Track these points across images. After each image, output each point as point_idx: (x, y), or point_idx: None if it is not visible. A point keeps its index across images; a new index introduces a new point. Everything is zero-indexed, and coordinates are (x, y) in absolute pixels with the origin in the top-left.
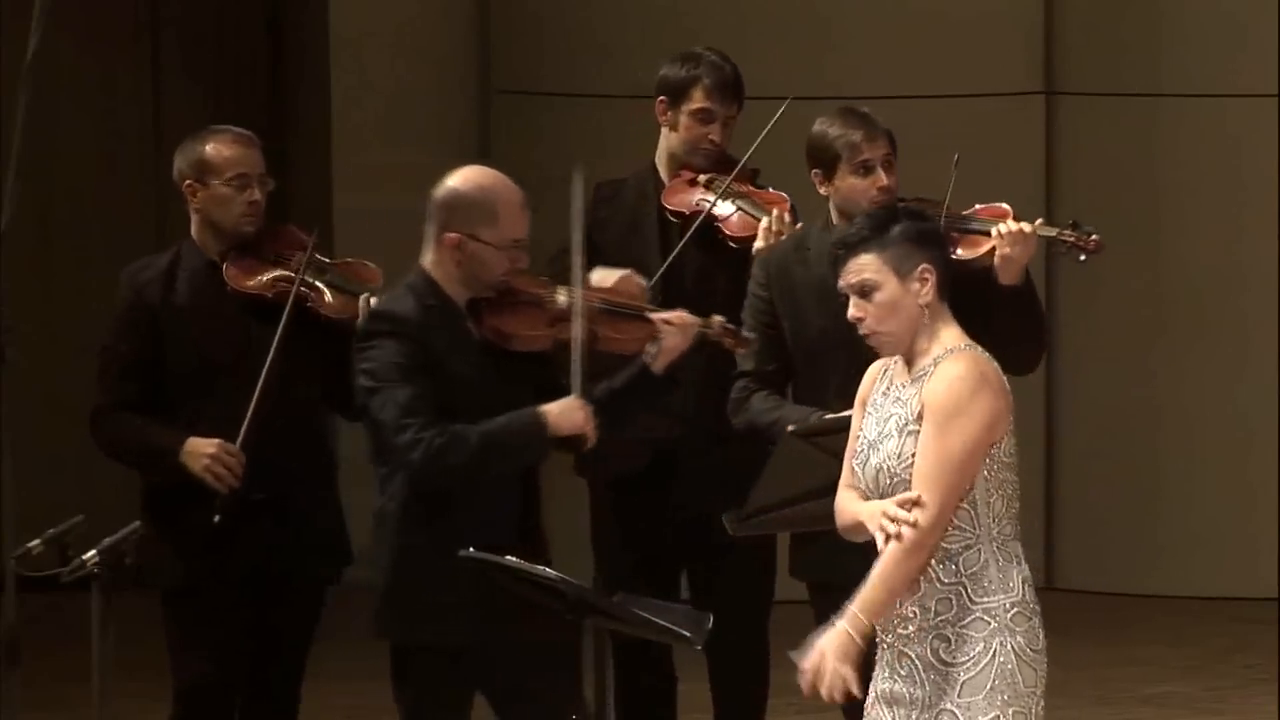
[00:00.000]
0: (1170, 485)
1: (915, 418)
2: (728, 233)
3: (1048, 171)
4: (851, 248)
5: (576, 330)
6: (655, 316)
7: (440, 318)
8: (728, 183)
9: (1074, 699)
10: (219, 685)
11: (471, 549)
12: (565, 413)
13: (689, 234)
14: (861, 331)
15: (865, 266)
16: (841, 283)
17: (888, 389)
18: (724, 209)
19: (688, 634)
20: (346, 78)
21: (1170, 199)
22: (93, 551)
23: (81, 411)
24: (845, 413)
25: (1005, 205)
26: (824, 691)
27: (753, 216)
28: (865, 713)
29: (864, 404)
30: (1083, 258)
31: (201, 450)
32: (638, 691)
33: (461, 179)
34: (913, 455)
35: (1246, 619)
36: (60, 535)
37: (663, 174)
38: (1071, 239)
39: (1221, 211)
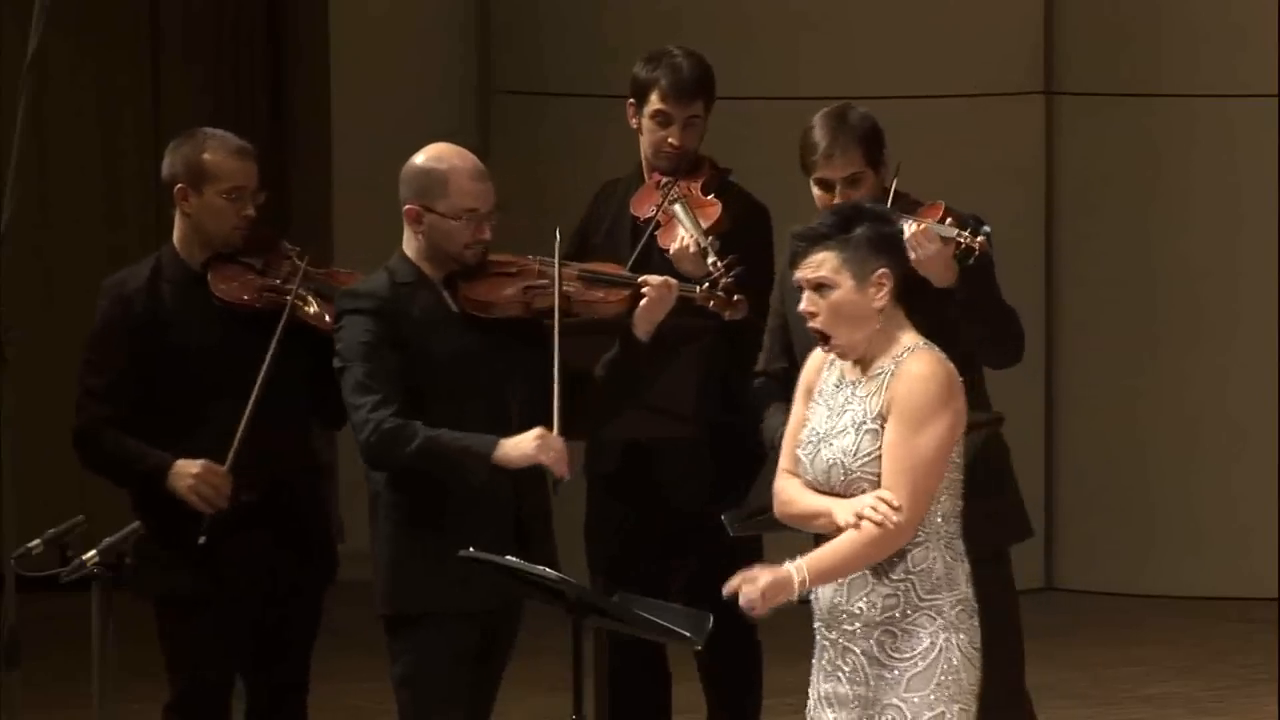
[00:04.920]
0: (1169, 485)
1: (875, 416)
2: (660, 245)
3: (1048, 171)
4: (812, 242)
5: (555, 297)
6: (636, 279)
7: (415, 294)
8: (671, 189)
9: (1074, 699)
10: (212, 694)
11: (472, 549)
12: (517, 444)
13: (639, 245)
14: (810, 325)
15: (823, 263)
16: (798, 275)
17: (840, 382)
18: (671, 210)
19: (688, 634)
20: (346, 78)
21: (1169, 199)
22: (93, 551)
23: None
24: None
25: (939, 203)
26: (742, 598)
27: (683, 226)
28: (806, 716)
29: (809, 391)
30: (970, 261)
31: (187, 471)
32: (632, 692)
33: (420, 154)
34: (869, 454)
35: (1246, 619)
36: (60, 535)
37: (645, 175)
38: (965, 241)
39: (1220, 211)
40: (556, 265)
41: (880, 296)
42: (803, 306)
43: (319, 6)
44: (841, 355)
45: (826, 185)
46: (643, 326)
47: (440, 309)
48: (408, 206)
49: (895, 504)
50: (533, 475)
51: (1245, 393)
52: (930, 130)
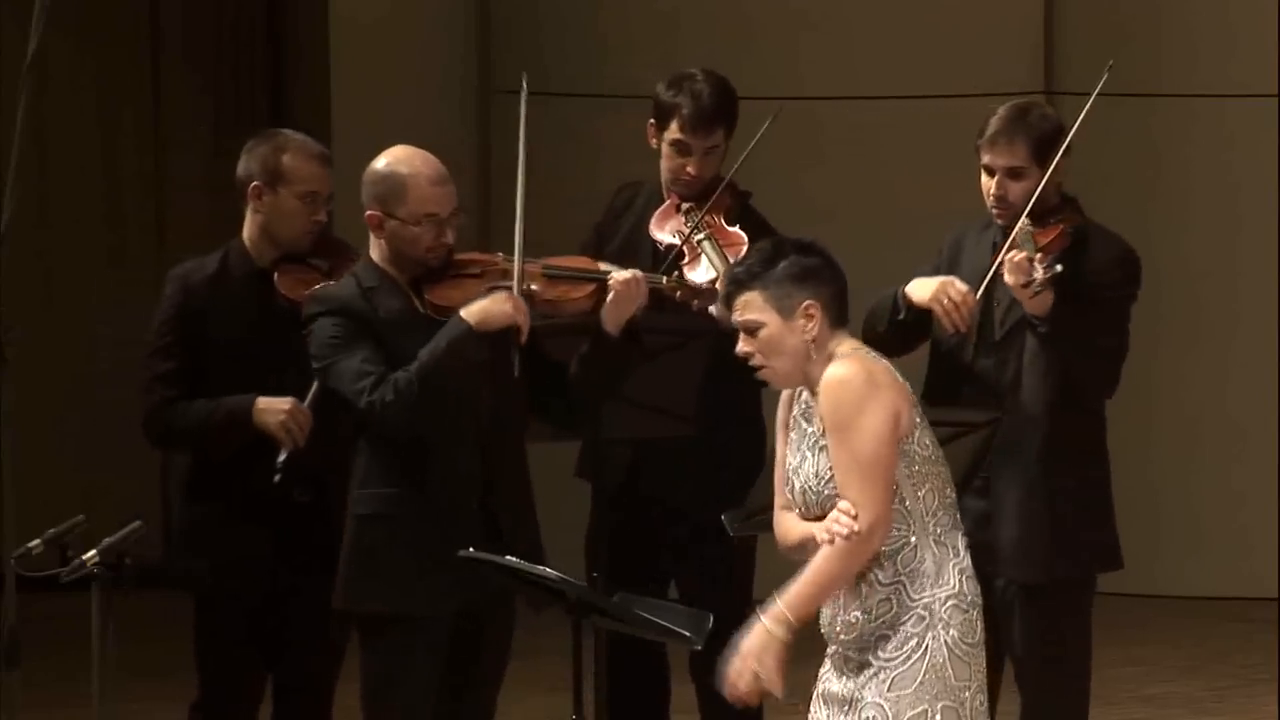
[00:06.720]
0: (1170, 485)
1: (822, 433)
2: (686, 274)
3: None
4: (739, 285)
5: (516, 287)
6: (604, 273)
7: (381, 298)
8: (699, 219)
9: None
10: (236, 692)
11: (472, 549)
12: (490, 304)
13: (662, 269)
14: (752, 364)
15: (749, 304)
16: (732, 318)
17: (805, 411)
18: (699, 245)
19: (688, 634)
20: (346, 78)
21: (1169, 199)
22: (93, 551)
23: (81, 412)
24: None
25: (1064, 227)
26: (744, 693)
27: (711, 263)
28: (809, 713)
29: (785, 427)
30: (1025, 286)
31: (277, 406)
32: (630, 694)
33: (381, 157)
34: (829, 471)
35: (1246, 619)
36: (60, 535)
37: (665, 194)
38: (1034, 269)
39: (1220, 211)
40: (517, 257)
41: (810, 328)
42: (739, 349)
43: (319, 6)
44: (777, 383)
45: (989, 170)
46: (612, 321)
47: (407, 311)
48: (369, 213)
49: (852, 513)
50: (510, 469)
51: (1245, 393)
52: (930, 130)
